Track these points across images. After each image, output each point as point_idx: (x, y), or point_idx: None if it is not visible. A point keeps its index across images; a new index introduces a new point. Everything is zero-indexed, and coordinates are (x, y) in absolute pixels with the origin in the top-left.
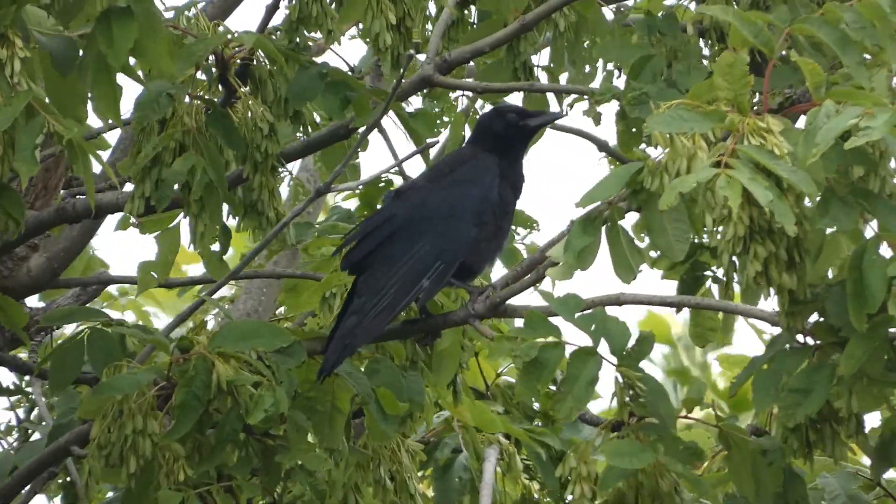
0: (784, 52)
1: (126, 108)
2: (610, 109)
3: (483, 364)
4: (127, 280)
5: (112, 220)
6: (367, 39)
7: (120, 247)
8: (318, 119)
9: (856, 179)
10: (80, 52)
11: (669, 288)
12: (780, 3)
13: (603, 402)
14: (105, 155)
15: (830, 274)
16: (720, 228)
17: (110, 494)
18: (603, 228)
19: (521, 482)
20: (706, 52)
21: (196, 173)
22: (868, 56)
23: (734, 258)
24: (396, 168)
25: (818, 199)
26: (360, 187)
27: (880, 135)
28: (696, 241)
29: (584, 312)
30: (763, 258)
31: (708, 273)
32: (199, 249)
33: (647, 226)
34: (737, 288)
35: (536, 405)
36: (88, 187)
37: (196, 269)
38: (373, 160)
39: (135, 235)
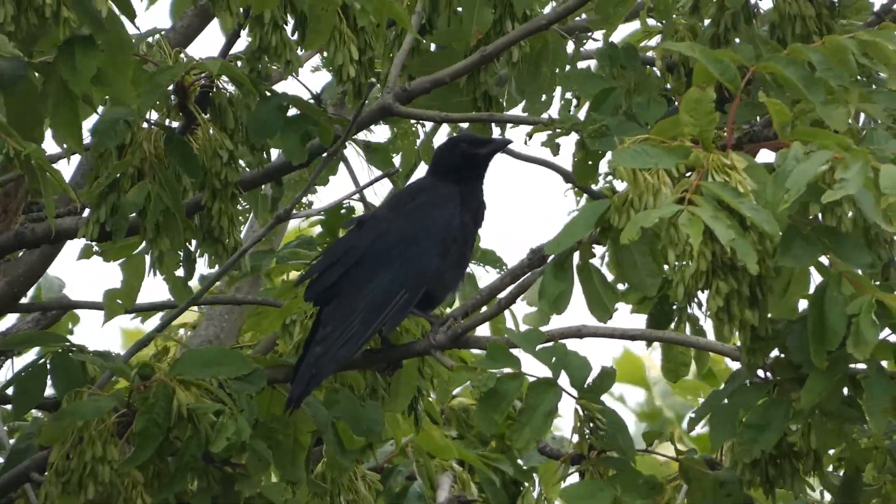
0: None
1: (85, 134)
2: (567, 140)
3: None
4: (88, 305)
5: (74, 245)
6: (331, 68)
7: (82, 272)
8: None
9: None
10: (38, 78)
11: (639, 322)
12: (743, 41)
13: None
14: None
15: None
16: (683, 264)
17: None
18: (574, 269)
19: None
20: (669, 86)
21: (151, 201)
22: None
23: (698, 294)
24: (358, 195)
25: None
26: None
27: (856, 188)
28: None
29: (545, 345)
30: (725, 294)
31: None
32: (163, 275)
33: (618, 262)
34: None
35: None
36: (49, 209)
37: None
38: (334, 187)
39: (98, 262)
